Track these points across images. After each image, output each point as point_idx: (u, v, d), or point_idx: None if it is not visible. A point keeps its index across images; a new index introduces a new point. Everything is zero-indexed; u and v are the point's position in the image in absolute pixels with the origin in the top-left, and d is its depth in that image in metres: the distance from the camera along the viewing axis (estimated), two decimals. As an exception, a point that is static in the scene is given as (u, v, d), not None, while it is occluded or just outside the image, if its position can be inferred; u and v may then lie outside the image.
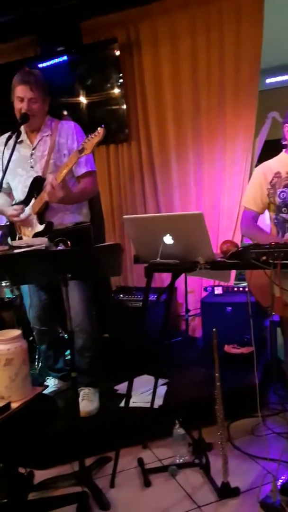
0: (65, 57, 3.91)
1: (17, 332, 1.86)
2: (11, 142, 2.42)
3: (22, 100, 2.44)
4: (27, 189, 2.56)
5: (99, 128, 2.19)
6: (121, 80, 3.81)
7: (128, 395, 2.20)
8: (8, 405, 1.73)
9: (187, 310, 3.75)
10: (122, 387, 2.85)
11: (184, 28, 3.60)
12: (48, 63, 3.94)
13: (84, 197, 2.63)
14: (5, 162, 2.35)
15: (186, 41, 3.61)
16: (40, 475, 2.20)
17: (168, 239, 1.97)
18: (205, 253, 1.92)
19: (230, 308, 3.22)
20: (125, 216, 2.04)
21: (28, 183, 2.55)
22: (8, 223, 2.72)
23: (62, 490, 2.13)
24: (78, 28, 3.88)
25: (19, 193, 2.61)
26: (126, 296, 3.64)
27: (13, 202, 2.65)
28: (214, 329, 1.98)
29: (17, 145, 2.46)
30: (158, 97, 3.79)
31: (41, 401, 1.90)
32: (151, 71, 3.78)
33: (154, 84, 3.78)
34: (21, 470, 2.04)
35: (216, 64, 3.54)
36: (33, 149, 2.57)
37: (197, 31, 3.56)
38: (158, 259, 1.99)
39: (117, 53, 3.75)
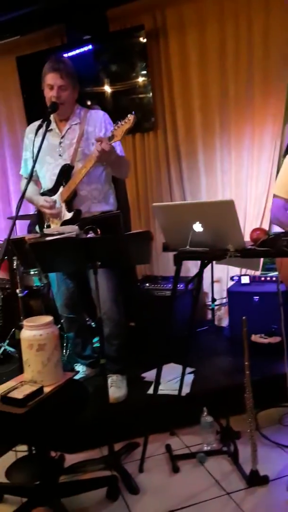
0: (90, 46, 3.90)
1: (49, 318, 1.90)
2: (41, 130, 2.43)
3: (52, 87, 2.45)
4: (55, 177, 2.58)
5: (129, 115, 2.18)
6: (147, 68, 3.78)
7: (157, 382, 2.22)
8: (41, 389, 1.77)
9: (213, 300, 3.74)
10: (149, 375, 2.88)
11: (211, 14, 3.54)
12: (74, 53, 3.94)
13: (124, 166, 2.67)
14: (35, 151, 2.36)
15: (214, 27, 3.55)
16: (69, 459, 2.25)
17: (197, 227, 1.96)
18: (236, 241, 1.90)
19: (257, 297, 3.20)
20: (154, 204, 2.03)
21: (56, 171, 2.57)
22: (36, 212, 2.76)
23: (92, 474, 2.17)
24: (104, 16, 3.86)
25: (47, 181, 2.63)
26: (152, 285, 3.65)
27: (41, 191, 2.68)
28: (244, 317, 1.97)
29: (47, 134, 2.47)
30: (185, 84, 3.75)
31: (72, 386, 1.94)
32: (178, 58, 3.73)
33: (180, 71, 3.74)
34: (52, 453, 2.10)
35: (244, 50, 3.47)
36: (62, 138, 2.58)
37: (225, 17, 3.49)
38: (187, 247, 1.99)
39: (144, 40, 3.72)
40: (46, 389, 1.80)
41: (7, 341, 3.11)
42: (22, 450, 2.31)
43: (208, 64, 3.63)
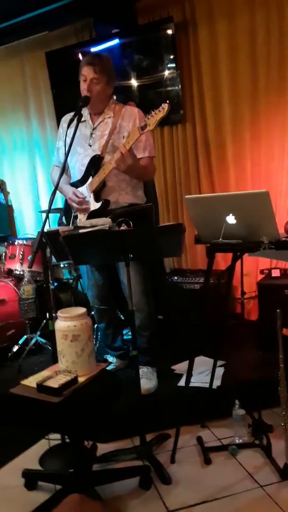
0: (117, 40, 3.90)
1: (82, 309, 1.92)
2: (73, 124, 2.44)
3: (85, 79, 2.47)
4: (84, 168, 2.59)
5: (163, 104, 2.15)
6: (176, 60, 3.75)
7: (189, 375, 2.22)
8: (75, 379, 1.79)
9: (243, 293, 3.71)
10: (179, 367, 2.88)
11: (241, 4, 3.49)
12: (101, 47, 3.95)
13: (146, 173, 2.62)
14: (68, 142, 2.38)
15: (244, 17, 3.50)
16: (101, 448, 2.27)
17: (230, 219, 1.95)
18: (270, 233, 1.88)
19: (288, 291, 3.15)
20: (186, 196, 2.02)
21: (86, 161, 2.58)
22: (64, 204, 2.78)
23: (124, 464, 2.19)
24: (133, 9, 3.85)
25: (76, 171, 2.65)
26: (181, 278, 3.64)
27: (71, 181, 2.70)
28: (278, 310, 1.95)
29: (79, 125, 2.49)
30: (214, 76, 3.71)
31: (106, 377, 1.96)
32: (207, 50, 3.70)
33: (210, 63, 3.71)
34: (85, 442, 2.13)
35: (275, 41, 3.42)
36: (94, 129, 2.60)
37: (255, 6, 3.44)
38: (220, 239, 1.98)
39: (172, 32, 3.69)
40: (80, 379, 1.82)
41: (39, 332, 3.16)
42: (55, 438, 2.36)
43: (238, 55, 3.59)
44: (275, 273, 3.42)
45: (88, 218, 2.53)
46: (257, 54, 3.50)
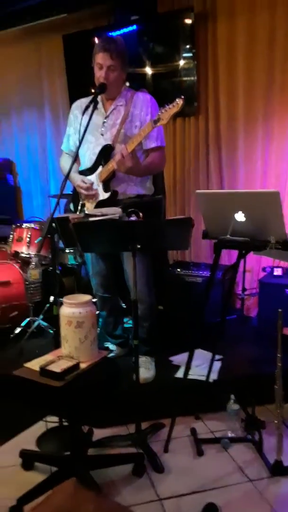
0: (134, 27, 3.87)
1: (88, 297, 1.95)
2: (89, 111, 2.44)
3: (101, 67, 2.45)
4: (94, 157, 2.60)
5: (177, 99, 2.16)
6: (193, 51, 3.73)
7: (187, 367, 2.25)
8: (77, 365, 1.83)
9: (244, 289, 3.73)
10: (176, 359, 2.92)
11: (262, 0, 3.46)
12: (118, 33, 3.92)
13: (150, 171, 2.63)
14: (81, 130, 2.38)
15: (264, 13, 3.46)
16: (97, 433, 2.32)
17: (239, 216, 1.96)
18: (277, 233, 1.90)
19: (289, 290, 3.18)
20: (198, 191, 2.04)
21: (96, 150, 2.58)
22: (72, 191, 2.79)
23: (118, 450, 2.23)
24: (153, -4, 3.82)
25: (86, 160, 2.65)
26: (183, 271, 3.66)
27: (80, 168, 2.71)
28: (280, 310, 1.98)
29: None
30: (230, 70, 3.69)
31: (106, 364, 2.00)
32: (225, 44, 3.67)
33: (227, 57, 3.68)
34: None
35: (294, 38, 3.40)
36: (106, 118, 2.59)
37: (277, 2, 3.41)
38: (228, 236, 2.00)
39: (192, 22, 3.66)
40: (82, 365, 1.86)
41: (41, 316, 3.19)
42: (52, 421, 2.40)
43: (255, 51, 3.55)
44: (277, 271, 3.45)
45: (97, 207, 2.54)
46: (275, 51, 3.47)
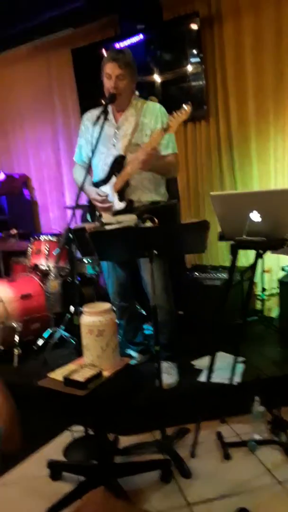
0: (141, 36, 3.91)
1: (107, 305, 1.97)
2: (100, 121, 2.47)
3: (110, 77, 2.48)
4: (107, 167, 2.62)
5: (184, 106, 2.18)
6: (200, 55, 3.74)
7: (210, 370, 2.25)
8: (100, 373, 1.84)
9: (263, 290, 3.70)
10: (198, 363, 2.91)
11: (267, -2, 3.47)
12: (126, 43, 3.96)
13: (169, 169, 2.65)
14: (93, 141, 2.41)
15: (270, 11, 3.46)
16: (123, 441, 2.32)
17: (255, 216, 1.96)
18: (294, 231, 1.89)
19: (310, 289, 3.15)
20: (212, 193, 2.04)
21: (109, 161, 2.61)
22: (87, 202, 2.82)
23: (145, 457, 2.23)
24: (158, 4, 3.85)
25: (99, 171, 2.68)
26: (201, 275, 3.66)
27: (93, 180, 2.73)
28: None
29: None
30: (239, 71, 3.69)
31: (128, 372, 2.00)
32: (232, 45, 3.67)
33: (234, 58, 3.68)
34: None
35: (301, 36, 3.39)
36: (117, 128, 2.62)
37: (282, 1, 3.40)
38: (244, 236, 1.99)
39: (198, 27, 3.67)
40: (105, 373, 1.87)
41: (63, 326, 3.22)
42: (78, 430, 2.41)
43: (263, 50, 3.55)
44: (298, 270, 3.41)
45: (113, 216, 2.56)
46: (282, 49, 3.46)
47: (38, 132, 5.02)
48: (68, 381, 1.78)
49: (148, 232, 2.00)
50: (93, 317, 1.89)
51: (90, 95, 4.00)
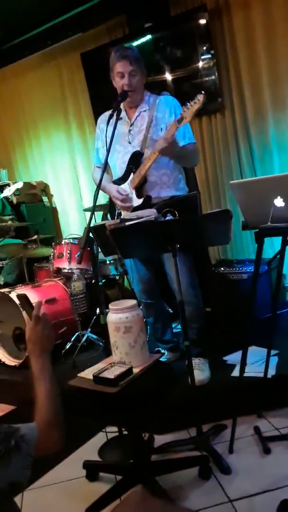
0: (149, 35, 3.88)
1: (133, 301, 1.94)
2: (112, 120, 2.46)
3: (122, 75, 2.46)
4: (125, 165, 2.60)
5: (198, 95, 2.14)
6: (210, 49, 3.70)
7: (243, 364, 2.19)
8: (130, 370, 1.81)
9: (292, 280, 3.62)
10: (230, 358, 2.85)
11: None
12: (135, 43, 3.94)
13: (189, 157, 2.61)
14: (108, 141, 2.40)
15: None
16: (158, 440, 2.28)
17: (279, 202, 1.90)
18: None
19: None
20: (232, 182, 1.99)
21: (126, 158, 2.59)
22: (107, 201, 2.80)
23: (181, 454, 2.18)
24: (165, 0, 3.83)
25: (117, 169, 2.66)
26: (227, 269, 3.59)
27: (113, 179, 2.72)
28: None
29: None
30: (252, 61, 3.64)
31: (160, 368, 1.97)
32: (243, 35, 3.63)
33: (246, 48, 3.64)
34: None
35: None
36: (131, 125, 2.60)
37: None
38: (269, 223, 1.93)
39: (206, 21, 3.63)
40: (135, 370, 1.84)
41: (89, 329, 3.21)
42: (112, 431, 2.39)
43: (275, 37, 3.50)
44: None
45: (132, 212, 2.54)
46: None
47: (53, 138, 5.06)
48: (98, 379, 1.75)
49: (168, 225, 1.96)
50: (119, 314, 1.87)
51: (102, 98, 4.01)
